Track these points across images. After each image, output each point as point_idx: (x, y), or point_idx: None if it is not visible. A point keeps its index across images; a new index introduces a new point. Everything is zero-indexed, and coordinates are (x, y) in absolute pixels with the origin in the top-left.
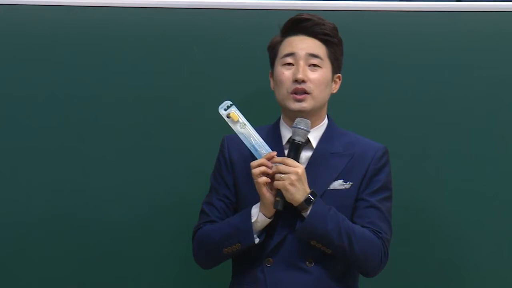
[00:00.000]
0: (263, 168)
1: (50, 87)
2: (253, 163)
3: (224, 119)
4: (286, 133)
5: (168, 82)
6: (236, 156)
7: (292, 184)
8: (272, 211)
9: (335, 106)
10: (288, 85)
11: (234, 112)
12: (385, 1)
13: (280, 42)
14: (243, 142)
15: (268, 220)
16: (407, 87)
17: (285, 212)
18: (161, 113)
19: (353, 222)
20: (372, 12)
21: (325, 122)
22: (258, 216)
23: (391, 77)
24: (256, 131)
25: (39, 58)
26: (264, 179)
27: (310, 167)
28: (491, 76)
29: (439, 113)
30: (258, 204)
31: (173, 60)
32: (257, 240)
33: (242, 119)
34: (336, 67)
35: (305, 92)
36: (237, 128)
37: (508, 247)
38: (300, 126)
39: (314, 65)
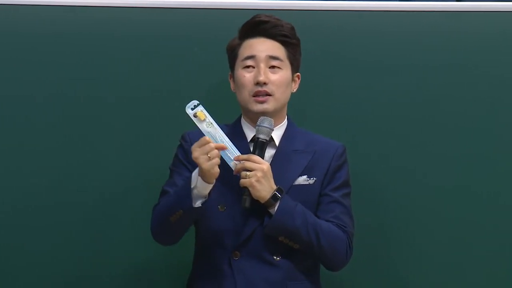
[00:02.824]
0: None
1: (50, 87)
2: (204, 138)
3: (190, 118)
4: (248, 132)
5: (168, 82)
6: None
7: (258, 181)
8: (210, 178)
9: (335, 106)
10: (250, 88)
11: (201, 111)
12: (385, 1)
13: (239, 45)
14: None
15: (208, 185)
16: (407, 87)
17: (254, 208)
18: (161, 113)
19: (317, 217)
20: (372, 12)
21: (285, 121)
22: (197, 181)
23: (391, 77)
24: None
25: (39, 58)
26: (215, 162)
27: (274, 164)
28: (491, 76)
29: (439, 113)
30: (197, 170)
31: (173, 60)
32: (197, 204)
33: (208, 118)
34: (296, 67)
35: (267, 94)
36: (203, 127)
37: (508, 248)
38: (264, 125)
39: (274, 67)
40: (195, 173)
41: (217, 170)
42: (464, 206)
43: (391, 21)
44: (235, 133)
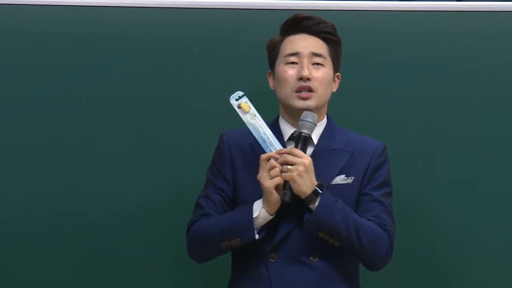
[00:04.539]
0: (273, 163)
1: (50, 87)
2: (264, 156)
3: (234, 109)
4: (286, 130)
5: (168, 82)
6: (236, 152)
7: (299, 175)
8: (275, 207)
9: (335, 106)
10: (293, 84)
11: (245, 102)
12: (385, 1)
13: (280, 42)
14: (249, 138)
15: (270, 217)
16: (407, 87)
17: (289, 207)
18: (161, 113)
19: (357, 215)
20: (372, 12)
21: (325, 120)
22: (260, 212)
23: (391, 77)
24: None
25: (40, 58)
26: (277, 180)
27: (313, 162)
28: (491, 76)
29: (439, 113)
30: (260, 200)
31: (173, 60)
32: (257, 236)
33: (252, 109)
34: (336, 66)
35: (310, 90)
36: (247, 119)
37: (510, 247)
38: (308, 119)
39: (318, 64)
40: (258, 202)
41: (276, 197)
42: (466, 206)
43: (391, 21)
44: (272, 131)
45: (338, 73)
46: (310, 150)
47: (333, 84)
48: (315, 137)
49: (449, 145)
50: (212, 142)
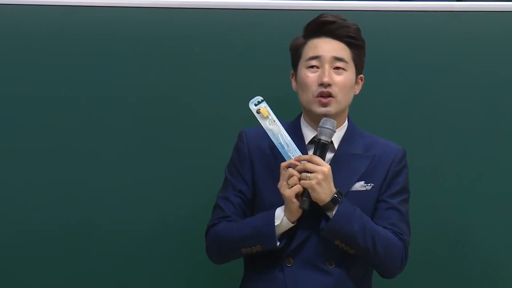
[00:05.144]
0: (293, 173)
1: (50, 87)
2: (284, 164)
3: (253, 114)
4: (308, 133)
5: (168, 82)
6: (255, 151)
7: (318, 183)
8: (296, 216)
9: None
10: (314, 89)
11: (265, 107)
12: (385, 1)
13: (303, 44)
14: (268, 138)
15: (292, 225)
16: (406, 87)
17: (308, 213)
18: (161, 113)
19: (374, 223)
20: (372, 12)
21: (346, 123)
22: (282, 219)
23: (391, 77)
24: None
25: (39, 58)
26: (297, 188)
27: (333, 168)
28: (491, 76)
29: (439, 113)
30: (282, 207)
31: (174, 60)
32: (278, 244)
33: (272, 115)
34: (359, 69)
35: (330, 95)
36: (266, 124)
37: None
38: (326, 126)
39: (339, 68)
40: (280, 210)
41: (297, 205)
42: (466, 206)
43: (391, 21)
44: (293, 133)
45: (362, 75)
46: (330, 155)
47: (356, 86)
48: (335, 142)
49: (449, 145)
50: (213, 142)
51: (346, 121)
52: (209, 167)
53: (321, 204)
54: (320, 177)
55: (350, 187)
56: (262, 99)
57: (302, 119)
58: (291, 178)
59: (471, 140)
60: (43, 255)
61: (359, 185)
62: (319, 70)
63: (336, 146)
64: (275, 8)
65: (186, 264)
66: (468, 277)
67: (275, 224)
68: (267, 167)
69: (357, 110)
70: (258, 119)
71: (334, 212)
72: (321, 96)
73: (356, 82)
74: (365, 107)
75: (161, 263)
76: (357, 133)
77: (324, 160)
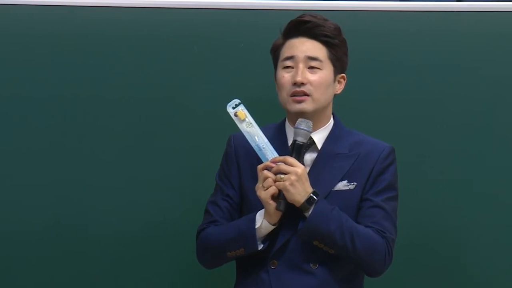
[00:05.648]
0: (268, 175)
1: (50, 87)
2: (260, 166)
3: (231, 117)
4: (291, 134)
5: (168, 82)
6: (242, 155)
7: (292, 184)
8: (275, 218)
9: (334, 106)
10: (288, 88)
11: (242, 110)
12: (385, 1)
13: (282, 45)
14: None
15: (272, 227)
16: (406, 87)
17: (289, 215)
18: (161, 113)
19: (358, 222)
20: (372, 12)
21: (331, 122)
22: (262, 222)
23: (391, 77)
24: (262, 131)
25: (39, 58)
26: (272, 190)
27: (315, 168)
28: (491, 76)
29: (439, 113)
30: (262, 211)
31: (173, 60)
32: (260, 246)
33: (249, 118)
34: (339, 68)
35: (304, 94)
36: (243, 127)
37: (510, 247)
38: (301, 127)
39: (314, 68)
40: (260, 214)
41: (273, 207)
42: (465, 206)
43: (391, 21)
44: (277, 136)
45: (343, 74)
46: (313, 155)
47: (337, 86)
48: (319, 142)
49: (449, 145)
50: (212, 142)
51: (332, 120)
52: (208, 167)
53: (297, 205)
54: (294, 178)
55: (333, 187)
56: (240, 102)
57: (286, 122)
58: (266, 180)
59: (471, 140)
60: (37, 255)
61: (342, 185)
62: (293, 70)
63: (319, 146)
64: (275, 8)
65: (182, 265)
66: (465, 276)
67: (256, 227)
68: (252, 170)
69: (357, 110)
70: (236, 122)
71: (309, 213)
72: (295, 95)
73: (338, 81)
74: (365, 107)
75: (156, 264)
76: (344, 132)
77: (302, 161)
